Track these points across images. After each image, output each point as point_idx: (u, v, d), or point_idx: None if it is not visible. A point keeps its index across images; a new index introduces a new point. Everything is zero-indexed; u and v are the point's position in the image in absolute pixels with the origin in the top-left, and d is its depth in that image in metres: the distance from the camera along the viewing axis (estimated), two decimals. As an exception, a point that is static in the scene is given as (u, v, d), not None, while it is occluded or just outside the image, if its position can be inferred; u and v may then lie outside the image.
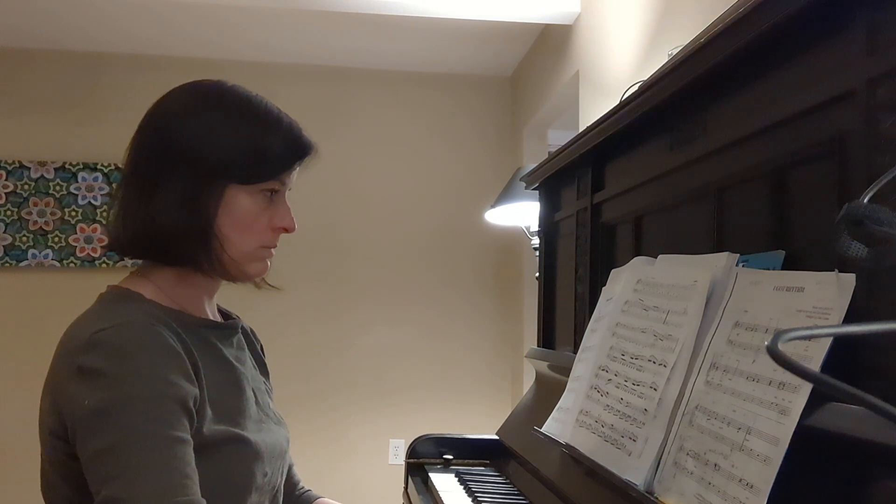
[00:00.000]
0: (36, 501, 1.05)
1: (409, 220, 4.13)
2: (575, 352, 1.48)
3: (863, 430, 0.72)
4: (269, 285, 1.12)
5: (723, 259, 1.05)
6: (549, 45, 3.47)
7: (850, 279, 0.79)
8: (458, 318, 4.11)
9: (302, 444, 3.28)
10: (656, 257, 1.27)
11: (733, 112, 1.11)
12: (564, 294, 1.85)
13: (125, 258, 1.04)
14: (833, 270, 0.81)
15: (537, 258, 2.07)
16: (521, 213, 2.65)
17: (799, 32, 0.93)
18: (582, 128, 2.52)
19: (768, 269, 0.96)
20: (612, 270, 1.43)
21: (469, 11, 3.07)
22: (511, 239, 3.86)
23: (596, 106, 2.69)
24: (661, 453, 1.01)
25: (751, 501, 0.80)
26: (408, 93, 4.18)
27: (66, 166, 3.88)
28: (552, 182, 1.92)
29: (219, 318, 1.12)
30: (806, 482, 0.79)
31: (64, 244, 3.86)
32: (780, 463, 0.78)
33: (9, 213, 3.83)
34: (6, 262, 3.82)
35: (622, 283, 1.32)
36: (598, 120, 1.50)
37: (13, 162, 3.85)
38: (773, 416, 0.82)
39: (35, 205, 3.86)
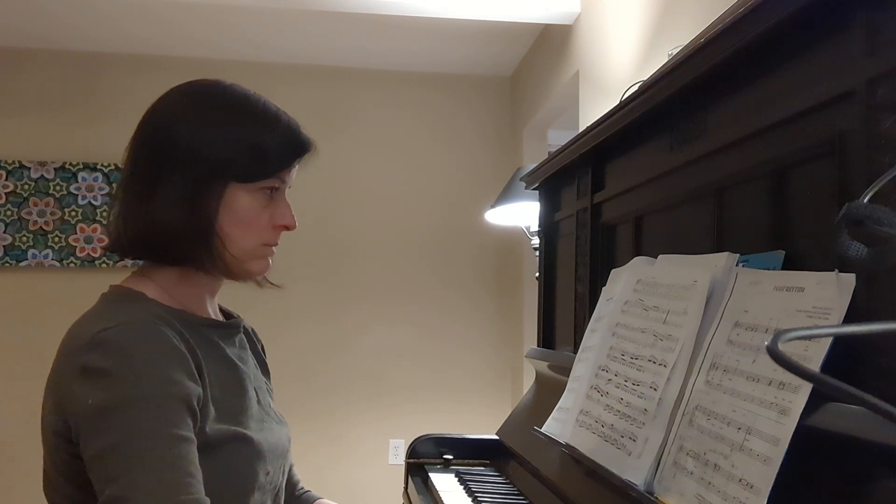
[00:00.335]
0: (37, 501, 1.05)
1: (409, 220, 4.13)
2: (575, 352, 1.48)
3: (863, 430, 0.72)
4: (272, 283, 1.12)
5: (723, 259, 1.05)
6: (549, 45, 3.47)
7: (850, 279, 0.79)
8: (458, 318, 4.11)
9: (302, 444, 3.28)
10: (656, 257, 1.27)
11: (733, 112, 1.11)
12: (564, 294, 1.85)
13: (126, 259, 1.04)
14: (833, 270, 0.81)
15: (537, 258, 2.07)
16: (521, 213, 2.65)
17: (799, 32, 0.93)
18: (582, 128, 2.52)
19: (768, 269, 0.96)
20: (612, 270, 1.43)
21: (469, 11, 3.07)
22: (511, 239, 3.86)
23: (596, 106, 2.70)
24: (661, 453, 1.01)
25: (751, 501, 0.80)
26: (408, 93, 4.18)
27: (66, 166, 3.88)
28: (552, 182, 1.92)
29: (220, 318, 1.12)
30: (806, 482, 0.79)
31: (64, 244, 3.86)
32: (780, 463, 0.78)
33: (9, 213, 3.83)
34: (6, 262, 3.82)
35: (622, 283, 1.32)
36: (598, 120, 1.50)
37: (13, 162, 3.85)
38: (773, 416, 0.82)
39: (35, 205, 3.86)
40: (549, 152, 3.48)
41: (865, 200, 0.59)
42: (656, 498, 0.98)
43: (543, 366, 1.84)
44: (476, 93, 4.24)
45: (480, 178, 4.12)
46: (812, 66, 0.93)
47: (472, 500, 1.50)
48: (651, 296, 1.20)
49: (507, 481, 1.66)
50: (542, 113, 3.66)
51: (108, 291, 1.03)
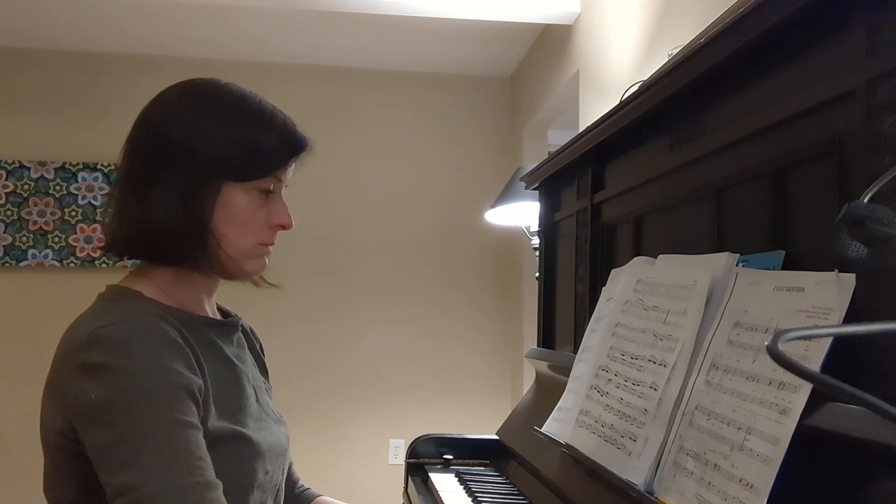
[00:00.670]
0: (37, 501, 1.05)
1: (409, 219, 4.13)
2: (575, 352, 1.48)
3: (863, 430, 0.72)
4: (268, 283, 1.12)
5: (723, 259, 1.05)
6: (549, 45, 3.47)
7: (850, 279, 0.79)
8: (458, 318, 4.11)
9: (302, 444, 3.28)
10: (656, 257, 1.27)
11: (733, 112, 1.11)
12: (564, 294, 1.85)
13: (123, 258, 1.04)
14: (833, 270, 0.81)
15: (537, 258, 2.07)
16: (521, 213, 2.65)
17: (799, 32, 0.93)
18: (582, 128, 2.52)
19: (768, 269, 0.96)
20: (612, 270, 1.43)
21: (469, 11, 3.07)
22: (511, 239, 3.86)
23: (596, 106, 2.70)
24: (661, 453, 1.01)
25: (751, 501, 0.80)
26: (408, 93, 4.18)
27: (66, 166, 3.88)
28: (552, 182, 1.92)
29: (218, 317, 1.12)
30: (806, 482, 0.79)
31: (64, 244, 3.86)
32: (780, 463, 0.78)
33: (9, 213, 3.83)
34: (6, 262, 3.82)
35: (622, 283, 1.32)
36: (598, 120, 1.50)
37: (13, 162, 3.85)
38: (773, 416, 0.82)
39: (35, 205, 3.86)
40: (549, 152, 3.48)
41: (865, 200, 0.59)
42: (656, 498, 0.98)
43: (543, 366, 1.84)
44: (476, 93, 4.24)
45: (480, 178, 4.12)
46: (812, 66, 0.93)
47: (472, 500, 1.50)
48: (651, 296, 1.20)
49: (507, 481, 1.66)
50: (542, 113, 3.66)
51: (105, 291, 1.03)
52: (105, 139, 3.82)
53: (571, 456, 1.27)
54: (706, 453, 0.91)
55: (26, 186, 3.85)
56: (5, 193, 3.84)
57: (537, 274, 2.04)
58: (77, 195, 3.89)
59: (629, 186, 1.45)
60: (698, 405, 0.97)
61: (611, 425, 1.16)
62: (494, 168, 4.13)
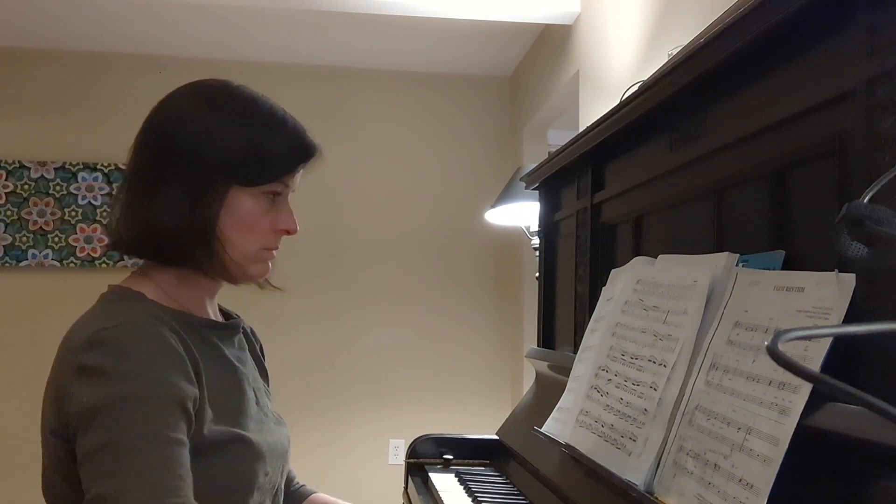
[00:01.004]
0: (37, 502, 1.05)
1: (409, 220, 4.13)
2: (575, 352, 1.48)
3: (863, 430, 0.72)
4: (273, 286, 1.12)
5: (723, 259, 1.05)
6: (549, 45, 3.47)
7: (850, 279, 0.79)
8: (459, 319, 4.10)
9: (302, 444, 3.28)
10: (656, 257, 1.27)
11: (733, 112, 1.11)
12: (564, 294, 1.85)
13: (126, 257, 1.04)
14: (833, 270, 0.81)
15: (537, 258, 2.07)
16: (521, 213, 2.65)
17: (799, 32, 0.93)
18: (582, 128, 2.52)
19: (768, 269, 0.96)
20: (612, 270, 1.43)
21: (469, 11, 3.07)
22: (511, 239, 3.86)
23: (596, 106, 2.69)
24: (661, 453, 1.01)
25: (751, 501, 0.80)
26: (408, 93, 4.18)
27: (66, 166, 3.88)
28: (552, 182, 1.92)
29: (220, 318, 1.12)
30: (806, 482, 0.79)
31: (64, 244, 3.86)
32: (780, 463, 0.78)
33: (9, 213, 3.83)
34: (6, 262, 3.82)
35: (622, 283, 1.32)
36: (598, 120, 1.50)
37: (13, 162, 3.85)
38: (773, 416, 0.82)
39: (35, 205, 3.86)
40: (549, 152, 3.48)
41: (865, 200, 0.59)
42: (656, 498, 0.98)
43: (543, 366, 1.84)
44: (476, 93, 4.24)
45: (480, 178, 4.12)
46: (812, 66, 0.93)
47: (472, 500, 1.50)
48: (651, 296, 1.20)
49: (507, 481, 1.66)
50: (542, 113, 3.66)
51: (107, 291, 1.03)
52: (105, 139, 3.82)
53: (571, 456, 1.27)
54: (706, 453, 0.91)
55: (26, 186, 3.85)
56: (5, 193, 3.84)
57: (537, 274, 2.04)
58: (77, 195, 3.89)
59: (629, 186, 1.45)
60: (698, 405, 0.97)
61: (611, 425, 1.16)
62: (494, 168, 4.13)
